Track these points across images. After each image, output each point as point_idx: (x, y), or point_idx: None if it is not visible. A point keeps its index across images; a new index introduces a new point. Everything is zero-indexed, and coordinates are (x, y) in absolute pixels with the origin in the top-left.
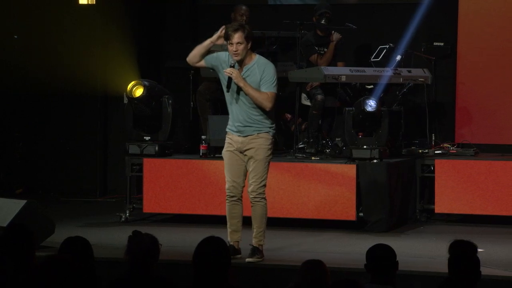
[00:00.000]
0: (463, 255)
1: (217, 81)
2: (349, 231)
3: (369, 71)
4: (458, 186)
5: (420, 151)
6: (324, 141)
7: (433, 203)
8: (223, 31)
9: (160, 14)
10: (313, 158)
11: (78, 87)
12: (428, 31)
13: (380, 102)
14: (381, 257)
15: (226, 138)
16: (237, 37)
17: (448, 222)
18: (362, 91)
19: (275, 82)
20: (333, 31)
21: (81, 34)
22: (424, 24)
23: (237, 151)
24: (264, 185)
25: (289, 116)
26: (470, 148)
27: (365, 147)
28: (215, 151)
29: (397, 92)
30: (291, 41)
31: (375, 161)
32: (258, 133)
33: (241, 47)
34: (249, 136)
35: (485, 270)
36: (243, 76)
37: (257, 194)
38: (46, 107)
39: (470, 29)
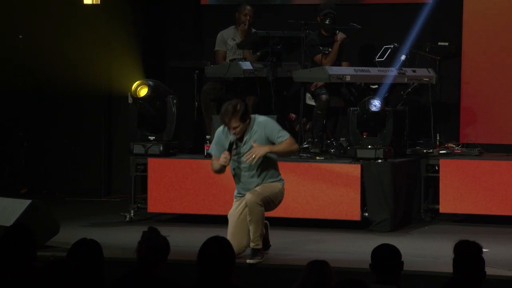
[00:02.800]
0: (468, 255)
1: (222, 81)
2: (354, 231)
3: (373, 71)
4: (462, 186)
5: (424, 151)
6: (328, 141)
7: (438, 203)
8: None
9: (164, 14)
10: (317, 158)
11: (83, 87)
12: (433, 31)
13: (384, 102)
14: (386, 257)
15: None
16: (233, 122)
17: (452, 222)
18: (367, 91)
19: (280, 127)
20: (337, 31)
21: (85, 34)
22: (428, 24)
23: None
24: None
25: (293, 116)
26: (474, 148)
27: (369, 147)
28: None
29: (402, 92)
30: (296, 41)
31: (379, 161)
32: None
33: (239, 128)
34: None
35: (490, 270)
36: (247, 140)
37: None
38: (50, 107)
39: (475, 29)
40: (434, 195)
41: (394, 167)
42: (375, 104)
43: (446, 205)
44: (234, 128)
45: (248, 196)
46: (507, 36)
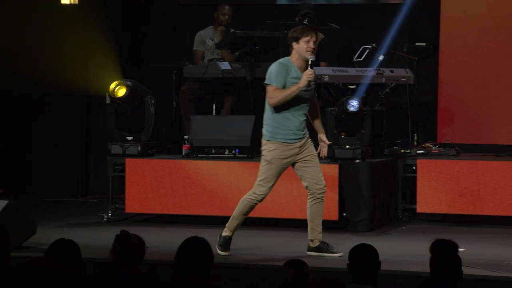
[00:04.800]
0: (444, 254)
1: (200, 81)
2: (332, 231)
3: (351, 71)
4: (440, 186)
5: (402, 151)
6: None
7: (415, 203)
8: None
9: (143, 14)
10: None
11: (60, 87)
12: (411, 32)
13: (362, 102)
14: (364, 257)
15: (280, 151)
16: (315, 37)
17: (430, 221)
18: (345, 91)
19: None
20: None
21: (63, 34)
22: (406, 24)
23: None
24: None
25: None
26: (452, 148)
27: (347, 147)
28: (197, 151)
29: (380, 92)
30: (274, 41)
31: (357, 161)
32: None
33: (315, 48)
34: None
35: (466, 270)
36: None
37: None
38: (27, 107)
39: (452, 29)
40: (411, 195)
41: (372, 167)
42: (353, 104)
43: (423, 205)
44: (314, 42)
45: (318, 186)
46: (484, 36)
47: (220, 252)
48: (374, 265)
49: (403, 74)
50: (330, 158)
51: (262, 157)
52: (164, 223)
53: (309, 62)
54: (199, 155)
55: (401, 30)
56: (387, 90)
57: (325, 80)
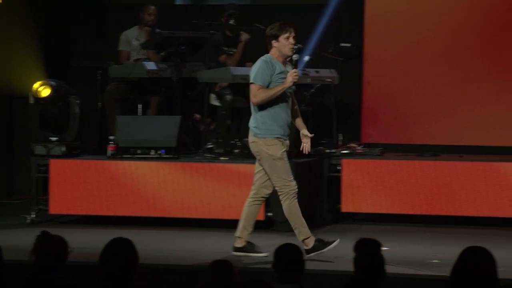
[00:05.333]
0: (367, 253)
1: (126, 81)
2: (258, 231)
3: None
4: (364, 186)
5: (327, 151)
6: (233, 141)
7: (340, 202)
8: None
9: (68, 13)
10: (222, 158)
11: None
12: (336, 32)
13: None
14: (289, 256)
15: (280, 145)
16: (294, 32)
17: (354, 221)
18: None
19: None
20: (241, 32)
21: None
22: (331, 25)
23: None
24: None
25: (198, 116)
26: (376, 148)
27: None
28: (123, 152)
29: (305, 93)
30: (200, 42)
31: None
32: None
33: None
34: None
35: (390, 268)
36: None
37: None
38: None
39: (377, 30)
40: (336, 195)
41: (298, 167)
42: None
43: (348, 204)
44: (294, 37)
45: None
46: (408, 37)
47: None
48: (299, 264)
49: (328, 74)
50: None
51: (269, 157)
52: (89, 225)
53: (293, 61)
54: (124, 156)
55: (326, 31)
56: (313, 90)
57: None
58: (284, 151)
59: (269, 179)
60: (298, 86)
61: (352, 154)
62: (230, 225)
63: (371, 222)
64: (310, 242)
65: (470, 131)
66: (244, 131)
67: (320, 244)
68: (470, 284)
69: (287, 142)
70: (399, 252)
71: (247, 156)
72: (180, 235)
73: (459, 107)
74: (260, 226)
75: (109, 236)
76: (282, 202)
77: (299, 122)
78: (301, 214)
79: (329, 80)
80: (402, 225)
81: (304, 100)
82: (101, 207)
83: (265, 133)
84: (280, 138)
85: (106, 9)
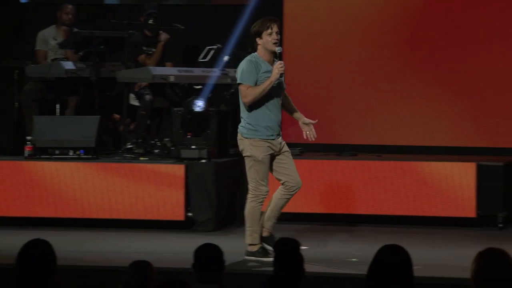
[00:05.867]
0: (287, 252)
1: (43, 81)
2: (178, 231)
3: (197, 71)
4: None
5: None
6: (152, 142)
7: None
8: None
9: None
10: (141, 158)
11: None
12: None
13: (208, 103)
14: (209, 256)
15: (265, 148)
16: (277, 26)
17: (276, 220)
18: (191, 92)
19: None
20: (161, 31)
21: None
22: (251, 25)
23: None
24: None
25: (117, 116)
26: (296, 147)
27: (193, 147)
28: (41, 152)
29: (225, 93)
30: (119, 41)
31: (203, 161)
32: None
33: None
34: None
35: (309, 267)
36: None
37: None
38: None
39: (296, 30)
40: None
41: (218, 167)
42: (199, 105)
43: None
44: (277, 32)
45: (292, 182)
46: (327, 37)
47: (267, 259)
48: (218, 264)
49: None
50: (176, 158)
51: (250, 157)
52: (6, 226)
53: (277, 54)
54: (42, 156)
55: (245, 31)
56: (232, 90)
57: (170, 80)
58: (267, 154)
59: (290, 171)
60: (218, 86)
61: None
62: (150, 225)
63: (292, 221)
64: (255, 248)
65: (388, 131)
66: (162, 131)
67: (263, 253)
68: (386, 282)
69: (278, 140)
70: (319, 251)
71: (167, 156)
72: (100, 236)
73: (377, 106)
74: (181, 227)
75: (26, 237)
76: (248, 201)
77: (296, 114)
78: (259, 219)
79: None
80: (322, 224)
81: (224, 100)
82: (20, 208)
83: (251, 133)
84: (266, 139)
85: (23, 8)
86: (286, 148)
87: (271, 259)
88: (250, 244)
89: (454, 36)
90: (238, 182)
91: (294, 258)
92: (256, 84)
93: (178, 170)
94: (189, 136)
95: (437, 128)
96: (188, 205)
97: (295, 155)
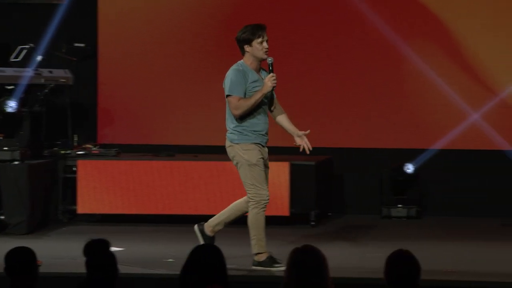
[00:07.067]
0: (97, 253)
1: None
2: None
3: (9, 71)
4: (100, 186)
5: (62, 152)
6: None
7: (76, 204)
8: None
9: None
10: None
11: None
12: (69, 32)
13: (20, 103)
14: (21, 261)
15: (258, 151)
16: (266, 34)
17: (90, 222)
18: (2, 92)
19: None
20: None
21: None
22: (64, 24)
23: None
24: None
25: None
26: (112, 148)
27: (5, 148)
28: None
29: (39, 93)
30: None
31: (16, 162)
32: None
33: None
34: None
35: (124, 269)
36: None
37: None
38: None
39: (111, 31)
40: (73, 196)
41: (31, 169)
42: (11, 105)
43: (84, 206)
44: (267, 41)
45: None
46: (142, 38)
47: (277, 269)
48: (31, 267)
49: (62, 74)
50: None
51: (244, 162)
52: None
53: (271, 66)
54: None
55: (59, 31)
56: (46, 90)
57: None
58: (260, 158)
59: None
60: (31, 86)
61: (88, 155)
62: None
63: (108, 223)
64: (263, 257)
65: (205, 132)
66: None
67: (271, 262)
68: (200, 281)
69: (265, 149)
70: (135, 252)
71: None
72: None
73: (195, 107)
74: None
75: None
76: (250, 209)
77: (289, 126)
78: (264, 227)
79: (63, 80)
80: (139, 225)
81: (38, 100)
82: None
83: (241, 138)
84: (257, 144)
85: None
86: (267, 162)
87: (281, 268)
88: (257, 253)
89: (271, 37)
90: (53, 184)
91: (105, 259)
92: (245, 95)
93: None
94: (2, 138)
95: None
96: (0, 208)
97: (111, 156)
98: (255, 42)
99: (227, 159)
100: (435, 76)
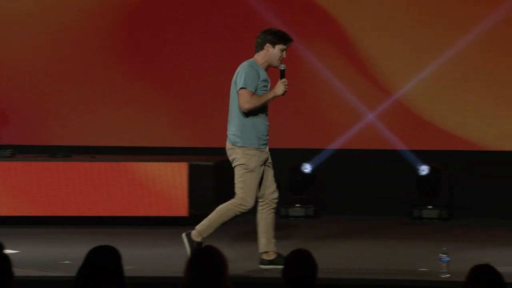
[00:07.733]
0: None
1: None
2: None
3: None
4: None
5: None
6: None
7: None
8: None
9: None
10: None
11: None
12: None
13: None
14: None
15: (257, 158)
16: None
17: None
18: None
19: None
20: None
21: None
22: None
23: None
24: None
25: None
26: (7, 149)
27: None
28: None
29: None
30: None
31: None
32: None
33: None
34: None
35: (19, 271)
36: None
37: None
38: None
39: (6, 29)
40: None
41: None
42: None
43: None
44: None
45: (273, 195)
46: (37, 37)
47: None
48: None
49: None
50: None
51: (242, 166)
52: None
53: (283, 73)
54: None
55: None
56: None
57: None
58: (260, 164)
59: (269, 182)
60: None
61: None
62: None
63: (2, 225)
64: (198, 238)
65: (102, 132)
66: None
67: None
68: (97, 283)
69: (266, 149)
70: (31, 255)
71: None
72: None
73: (92, 108)
74: None
75: None
76: (228, 203)
77: None
78: (224, 222)
79: None
80: (35, 227)
81: None
82: None
83: (244, 142)
84: (258, 148)
85: None
86: (269, 159)
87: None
88: (197, 235)
89: (164, 37)
90: None
91: None
92: (255, 91)
93: None
94: None
95: (151, 130)
96: None
97: (5, 158)
98: (278, 47)
99: (126, 159)
100: (331, 77)
